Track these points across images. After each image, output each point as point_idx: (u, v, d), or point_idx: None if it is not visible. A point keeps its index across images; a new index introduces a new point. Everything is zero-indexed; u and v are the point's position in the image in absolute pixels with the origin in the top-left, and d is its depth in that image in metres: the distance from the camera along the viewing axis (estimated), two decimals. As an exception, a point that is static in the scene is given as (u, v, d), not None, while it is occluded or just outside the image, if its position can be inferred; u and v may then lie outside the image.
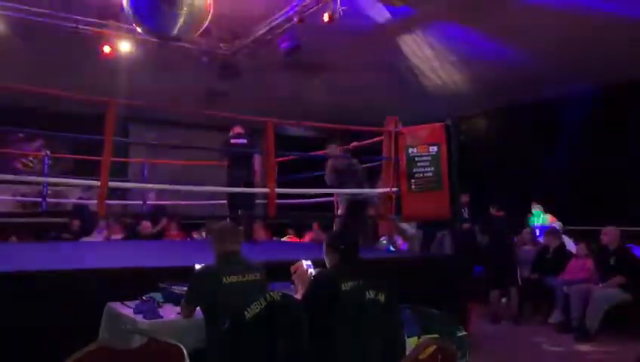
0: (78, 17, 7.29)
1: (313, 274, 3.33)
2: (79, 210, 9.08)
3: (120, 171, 9.59)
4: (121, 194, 9.87)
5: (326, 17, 6.64)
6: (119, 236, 8.47)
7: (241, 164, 6.39)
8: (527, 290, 7.03)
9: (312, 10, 6.81)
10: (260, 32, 7.78)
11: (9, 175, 7.63)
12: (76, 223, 8.31)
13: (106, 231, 8.35)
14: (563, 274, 6.75)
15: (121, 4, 5.55)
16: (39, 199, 7.76)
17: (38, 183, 8.56)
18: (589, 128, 8.88)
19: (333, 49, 8.11)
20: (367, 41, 7.76)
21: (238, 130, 6.59)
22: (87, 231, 8.27)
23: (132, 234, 8.75)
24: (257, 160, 6.34)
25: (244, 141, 6.53)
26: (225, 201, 6.70)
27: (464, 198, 8.53)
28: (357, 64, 8.73)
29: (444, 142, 5.17)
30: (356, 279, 2.92)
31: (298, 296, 3.08)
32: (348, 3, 6.61)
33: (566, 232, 7.94)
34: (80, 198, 9.59)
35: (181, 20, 5.14)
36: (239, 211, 6.49)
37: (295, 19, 7.04)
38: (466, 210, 8.63)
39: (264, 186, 5.44)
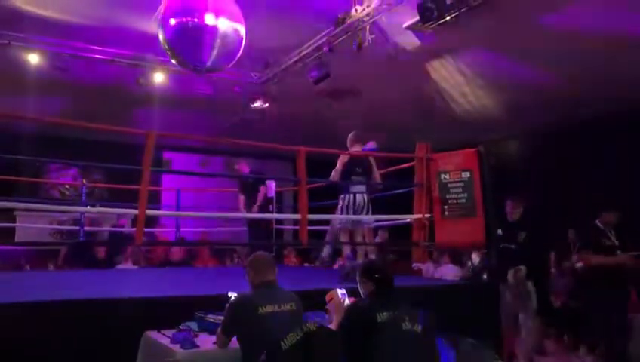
0: (114, 50, 7.56)
1: (347, 303, 3.31)
2: (113, 238, 9.28)
3: (153, 199, 9.78)
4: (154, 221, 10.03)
5: (355, 46, 6.72)
6: (141, 264, 8.60)
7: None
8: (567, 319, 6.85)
9: (341, 38, 6.90)
10: (291, 62, 7.91)
11: (49, 204, 7.86)
12: (101, 251, 8.46)
13: (132, 260, 8.47)
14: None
15: (156, 37, 5.73)
16: (77, 228, 7.94)
17: (74, 211, 8.76)
18: (626, 150, 8.68)
19: (362, 76, 8.17)
20: (396, 67, 7.80)
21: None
22: (118, 260, 8.42)
23: (163, 261, 8.88)
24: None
25: None
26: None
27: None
28: (386, 91, 8.77)
29: (477, 167, 5.12)
30: (392, 309, 2.90)
31: (333, 326, 3.07)
32: (377, 31, 6.68)
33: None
34: (113, 226, 9.78)
35: (214, 53, 5.27)
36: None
37: (325, 49, 7.14)
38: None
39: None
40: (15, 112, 7.53)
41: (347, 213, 5.45)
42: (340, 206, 5.52)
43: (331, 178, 5.61)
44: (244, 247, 8.61)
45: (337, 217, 5.88)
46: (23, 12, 6.38)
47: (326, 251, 6.33)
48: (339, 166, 5.58)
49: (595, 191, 8.73)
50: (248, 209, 6.97)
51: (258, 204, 6.87)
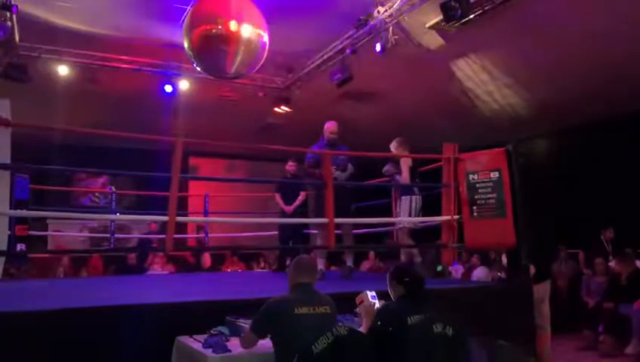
0: (141, 59, 7.69)
1: (378, 306, 3.28)
2: (142, 245, 9.43)
3: (181, 205, 9.88)
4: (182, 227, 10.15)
5: (378, 47, 6.70)
6: (172, 269, 8.73)
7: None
8: (600, 319, 6.71)
9: (364, 41, 6.89)
10: (314, 65, 7.93)
11: (81, 212, 8.01)
12: (133, 257, 8.60)
13: (158, 265, 8.61)
14: (639, 301, 6.40)
15: (182, 45, 5.81)
16: (108, 235, 8.08)
17: (104, 219, 8.92)
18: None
19: (386, 77, 8.15)
20: (420, 67, 7.76)
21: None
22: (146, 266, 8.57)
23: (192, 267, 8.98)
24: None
25: None
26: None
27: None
28: (411, 91, 8.73)
29: (506, 167, 5.03)
30: (423, 312, 2.87)
31: (363, 330, 3.05)
32: (400, 31, 6.66)
33: (639, 256, 7.53)
34: (144, 233, 9.93)
35: (239, 59, 5.32)
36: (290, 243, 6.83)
37: (347, 51, 7.14)
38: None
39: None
40: (46, 123, 7.69)
41: (416, 215, 5.62)
42: (411, 207, 5.63)
43: (405, 181, 5.77)
44: (272, 252, 8.66)
45: (367, 221, 5.89)
46: (52, 25, 6.54)
47: (350, 261, 6.24)
48: (407, 170, 5.74)
49: (629, 188, 8.55)
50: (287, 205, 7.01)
51: (295, 206, 6.91)
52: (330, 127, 6.00)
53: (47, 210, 6.17)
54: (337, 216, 4.99)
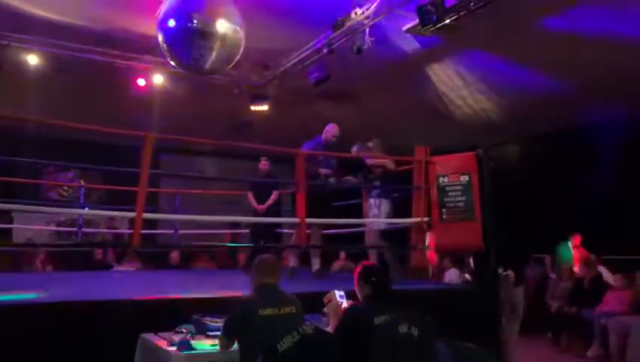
0: (114, 52, 7.54)
1: (345, 306, 3.29)
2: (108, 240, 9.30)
3: (151, 201, 9.75)
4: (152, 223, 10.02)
5: (355, 49, 6.71)
6: (138, 266, 8.64)
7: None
8: (563, 323, 6.86)
9: (341, 41, 6.90)
10: (290, 64, 7.90)
11: (48, 206, 7.85)
12: (99, 253, 8.49)
13: (126, 262, 8.52)
14: (600, 306, 6.56)
15: (156, 39, 5.73)
16: (75, 229, 7.93)
17: (72, 214, 8.74)
18: (625, 154, 8.67)
19: (362, 78, 8.17)
20: (395, 70, 7.80)
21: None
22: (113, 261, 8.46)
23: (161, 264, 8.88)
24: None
25: None
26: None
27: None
28: (386, 93, 8.78)
29: (476, 171, 5.11)
30: (389, 313, 2.89)
31: (330, 329, 3.06)
32: (376, 34, 6.68)
33: (602, 262, 7.72)
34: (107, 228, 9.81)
35: (214, 54, 5.27)
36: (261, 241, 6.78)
37: (324, 51, 7.13)
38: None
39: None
40: (14, 114, 7.50)
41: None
42: (380, 209, 5.70)
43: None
44: (244, 250, 8.61)
45: (338, 221, 5.91)
46: (23, 13, 6.38)
47: (317, 264, 6.17)
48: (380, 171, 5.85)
49: (595, 194, 8.74)
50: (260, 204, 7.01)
51: (267, 205, 6.90)
52: (332, 130, 6.11)
53: (11, 203, 6.01)
54: (317, 215, 5.03)
